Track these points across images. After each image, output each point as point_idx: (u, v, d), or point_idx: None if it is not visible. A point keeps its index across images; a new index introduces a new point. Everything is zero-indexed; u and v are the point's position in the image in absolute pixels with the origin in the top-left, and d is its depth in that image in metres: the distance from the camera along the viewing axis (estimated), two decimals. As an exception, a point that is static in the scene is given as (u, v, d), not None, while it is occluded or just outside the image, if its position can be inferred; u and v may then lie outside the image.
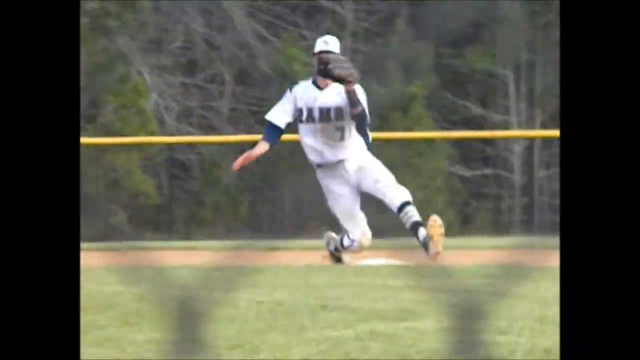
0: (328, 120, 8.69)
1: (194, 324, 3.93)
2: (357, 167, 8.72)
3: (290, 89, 8.97)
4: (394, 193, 8.73)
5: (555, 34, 35.47)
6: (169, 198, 31.15)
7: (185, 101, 36.77)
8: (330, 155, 8.73)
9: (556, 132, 32.84)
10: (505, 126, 37.19)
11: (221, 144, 31.78)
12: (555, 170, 36.92)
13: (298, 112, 8.79)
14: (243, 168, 9.72)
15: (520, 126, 37.11)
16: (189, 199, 35.11)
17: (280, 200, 33.17)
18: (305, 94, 8.83)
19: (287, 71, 33.08)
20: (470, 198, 36.32)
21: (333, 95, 8.71)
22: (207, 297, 4.77)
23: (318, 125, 8.71)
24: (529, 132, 34.41)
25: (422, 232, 8.55)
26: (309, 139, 8.80)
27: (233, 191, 33.43)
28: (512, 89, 38.27)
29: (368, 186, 8.80)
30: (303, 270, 7.30)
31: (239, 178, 34.44)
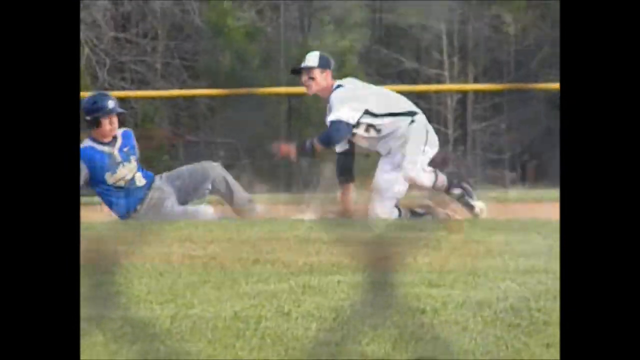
0: None
1: (127, 278, 3.91)
2: None
3: None
4: None
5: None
6: (101, 154, 30.87)
7: (118, 56, 36.38)
8: None
9: (488, 86, 33.01)
10: (439, 80, 37.38)
11: (154, 98, 31.51)
12: (489, 122, 37.29)
13: None
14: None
15: (453, 80, 37.31)
16: (121, 154, 34.81)
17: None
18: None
19: (219, 25, 32.80)
20: (405, 152, 36.42)
21: None
22: (140, 251, 4.74)
23: None
24: (462, 86, 34.56)
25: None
26: None
27: (166, 145, 33.18)
28: (445, 43, 38.40)
29: None
30: (236, 224, 7.28)
31: (172, 133, 34.18)
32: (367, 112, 8.41)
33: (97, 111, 7.83)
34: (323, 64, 8.77)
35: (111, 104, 8.00)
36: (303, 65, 8.78)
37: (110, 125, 7.92)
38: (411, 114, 8.57)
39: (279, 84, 26.00)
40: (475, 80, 36.74)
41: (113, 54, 35.93)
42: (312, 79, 8.67)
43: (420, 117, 8.62)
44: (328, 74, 8.75)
